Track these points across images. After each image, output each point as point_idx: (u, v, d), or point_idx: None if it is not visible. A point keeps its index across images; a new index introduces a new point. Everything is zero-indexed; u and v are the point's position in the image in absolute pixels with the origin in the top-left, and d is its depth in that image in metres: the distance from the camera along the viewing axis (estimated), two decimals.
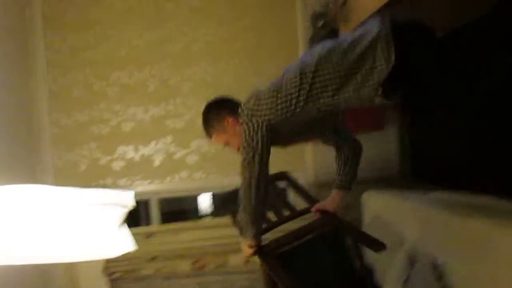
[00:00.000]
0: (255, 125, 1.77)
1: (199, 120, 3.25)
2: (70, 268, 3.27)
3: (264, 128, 1.77)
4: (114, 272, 3.27)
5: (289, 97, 1.75)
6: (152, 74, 3.34)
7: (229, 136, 1.96)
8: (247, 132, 1.78)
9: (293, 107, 1.75)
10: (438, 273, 1.99)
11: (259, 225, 1.94)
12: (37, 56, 3.27)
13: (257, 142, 1.76)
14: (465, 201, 2.12)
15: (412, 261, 2.23)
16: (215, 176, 3.34)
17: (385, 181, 3.13)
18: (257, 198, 1.80)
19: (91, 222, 1.03)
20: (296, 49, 3.31)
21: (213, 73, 3.34)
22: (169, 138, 3.32)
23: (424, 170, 3.06)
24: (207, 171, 3.34)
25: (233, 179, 3.32)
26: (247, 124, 1.80)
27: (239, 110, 1.90)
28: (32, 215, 0.97)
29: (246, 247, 1.94)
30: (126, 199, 1.07)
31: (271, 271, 1.91)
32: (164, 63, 3.34)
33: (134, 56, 3.33)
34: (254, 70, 3.33)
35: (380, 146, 3.18)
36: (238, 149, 1.90)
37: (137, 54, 3.33)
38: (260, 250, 1.95)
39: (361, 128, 2.92)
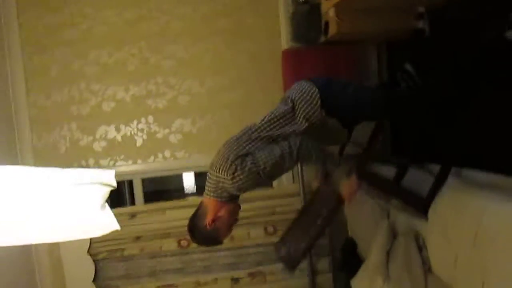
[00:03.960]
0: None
1: (181, 99, 3.29)
2: (54, 250, 3.26)
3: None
4: (99, 253, 3.28)
5: None
6: (132, 53, 3.27)
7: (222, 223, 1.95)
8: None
9: None
10: (420, 244, 2.05)
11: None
12: (11, 35, 3.17)
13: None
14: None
15: (394, 232, 2.29)
16: (198, 156, 3.34)
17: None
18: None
19: (73, 202, 1.02)
20: (277, 26, 3.29)
21: (193, 52, 3.30)
22: (151, 118, 3.30)
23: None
24: (190, 150, 3.33)
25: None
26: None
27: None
28: (13, 196, 0.96)
29: (351, 185, 1.97)
30: (107, 178, 1.07)
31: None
32: (144, 42, 3.27)
33: (112, 35, 3.26)
34: (234, 49, 3.30)
35: None
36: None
37: (115, 33, 3.26)
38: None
39: None
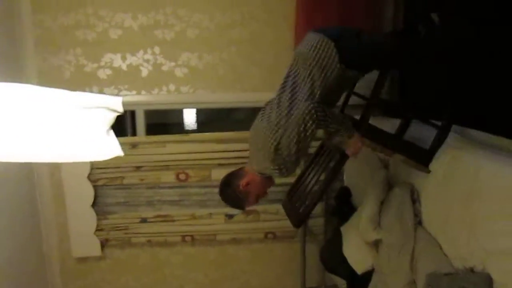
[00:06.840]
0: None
1: (189, 32, 3.21)
2: (55, 173, 3.32)
3: None
4: (99, 179, 3.34)
5: None
6: None
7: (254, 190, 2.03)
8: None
9: None
10: (414, 198, 2.09)
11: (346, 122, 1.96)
12: None
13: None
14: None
15: (390, 184, 2.33)
16: (203, 92, 3.31)
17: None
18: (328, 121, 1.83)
19: (79, 124, 1.03)
20: None
21: None
22: (157, 49, 3.24)
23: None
24: (195, 85, 3.30)
25: (220, 96, 3.33)
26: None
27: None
28: (20, 113, 0.96)
29: (356, 143, 1.94)
30: (114, 104, 1.07)
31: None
32: None
33: None
34: None
35: None
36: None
37: None
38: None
39: None
